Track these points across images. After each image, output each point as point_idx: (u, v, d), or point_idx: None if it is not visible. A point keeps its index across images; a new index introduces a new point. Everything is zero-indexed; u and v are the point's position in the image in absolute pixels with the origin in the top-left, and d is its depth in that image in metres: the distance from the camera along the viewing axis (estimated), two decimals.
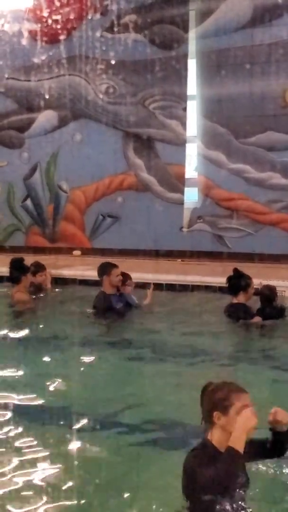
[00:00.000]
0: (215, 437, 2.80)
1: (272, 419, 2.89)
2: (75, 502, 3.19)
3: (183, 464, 2.83)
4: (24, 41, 11.17)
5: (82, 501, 3.19)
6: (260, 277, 7.87)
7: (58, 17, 10.72)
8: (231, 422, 2.76)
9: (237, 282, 6.64)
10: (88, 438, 3.87)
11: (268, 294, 6.63)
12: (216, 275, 8.19)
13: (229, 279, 6.74)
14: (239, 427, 2.72)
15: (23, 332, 6.45)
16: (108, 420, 4.23)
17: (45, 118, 11.87)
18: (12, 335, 6.34)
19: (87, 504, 3.17)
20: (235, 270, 6.73)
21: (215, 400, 2.81)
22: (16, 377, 5.03)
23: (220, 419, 2.78)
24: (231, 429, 2.76)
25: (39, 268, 8.08)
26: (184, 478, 2.81)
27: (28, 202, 12.31)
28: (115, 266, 7.00)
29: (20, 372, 5.11)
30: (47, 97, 11.51)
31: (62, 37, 10.98)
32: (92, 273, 9.18)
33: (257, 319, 6.47)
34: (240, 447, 2.69)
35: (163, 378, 5.06)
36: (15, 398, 4.56)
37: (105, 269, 6.99)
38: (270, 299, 6.62)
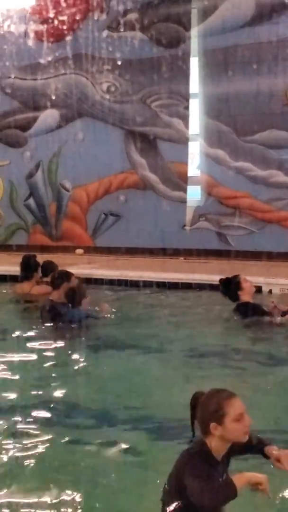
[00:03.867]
0: (213, 444, 2.80)
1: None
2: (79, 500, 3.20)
3: (177, 463, 2.83)
4: (27, 40, 11.20)
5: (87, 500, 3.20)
6: (264, 275, 7.88)
7: (61, 15, 10.75)
8: (228, 430, 2.76)
9: (229, 288, 6.57)
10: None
11: None
12: (219, 274, 8.16)
13: (222, 291, 6.67)
14: (253, 476, 2.70)
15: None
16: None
17: (48, 116, 11.85)
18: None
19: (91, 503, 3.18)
20: (221, 280, 6.67)
21: (208, 411, 2.80)
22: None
23: (217, 429, 2.78)
24: (229, 437, 2.78)
25: (51, 267, 7.97)
26: (176, 478, 2.80)
27: (31, 200, 12.31)
28: (73, 274, 6.96)
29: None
30: (49, 96, 11.51)
31: (65, 36, 10.99)
32: (95, 272, 9.25)
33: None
34: (240, 487, 2.68)
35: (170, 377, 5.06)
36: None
37: (66, 275, 6.83)
38: None
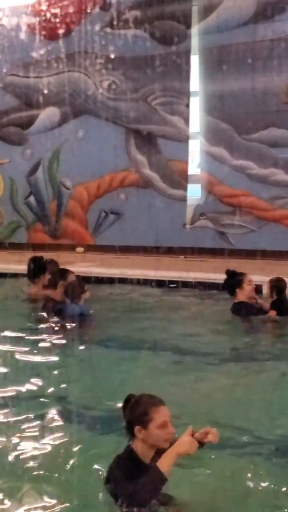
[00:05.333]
0: (138, 448, 2.94)
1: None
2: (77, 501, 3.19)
3: (109, 469, 2.97)
4: (25, 37, 11.19)
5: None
6: (263, 274, 7.86)
7: (62, 13, 10.72)
8: (151, 435, 2.89)
9: (230, 282, 6.61)
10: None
11: (279, 285, 6.56)
12: (219, 272, 8.16)
13: (224, 281, 6.72)
14: (174, 449, 2.82)
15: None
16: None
17: (47, 114, 11.85)
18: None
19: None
20: (227, 271, 6.71)
21: (135, 414, 2.94)
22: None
23: (141, 433, 2.90)
24: (151, 441, 2.91)
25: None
26: (111, 479, 2.94)
27: (31, 199, 12.30)
28: (71, 271, 6.93)
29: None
30: (49, 93, 11.50)
31: (63, 33, 10.97)
32: (95, 270, 9.25)
33: (272, 313, 6.41)
34: (166, 469, 2.79)
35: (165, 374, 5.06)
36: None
37: (61, 274, 6.84)
38: (281, 290, 6.55)
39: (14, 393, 4.64)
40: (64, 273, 6.91)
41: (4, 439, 3.87)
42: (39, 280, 7.57)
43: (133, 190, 11.39)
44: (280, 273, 7.91)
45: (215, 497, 3.19)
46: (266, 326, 6.43)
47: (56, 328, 6.31)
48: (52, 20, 10.85)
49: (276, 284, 6.62)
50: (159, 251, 10.89)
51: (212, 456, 3.45)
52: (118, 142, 11.36)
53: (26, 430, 3.98)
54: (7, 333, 6.30)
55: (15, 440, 3.84)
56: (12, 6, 10.85)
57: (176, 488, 3.04)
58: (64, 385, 4.84)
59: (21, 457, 3.63)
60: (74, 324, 6.31)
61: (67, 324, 6.32)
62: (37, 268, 7.63)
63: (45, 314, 6.66)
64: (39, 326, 6.47)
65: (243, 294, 6.55)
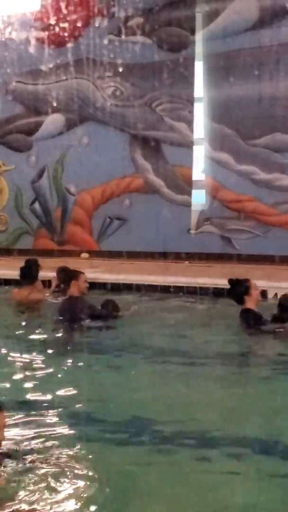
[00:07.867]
0: None
1: None
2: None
3: None
4: (30, 45, 11.26)
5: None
6: (269, 279, 7.87)
7: (65, 20, 10.79)
8: None
9: (237, 290, 6.57)
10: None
11: (283, 302, 6.46)
12: (224, 278, 8.16)
13: (229, 291, 6.69)
14: None
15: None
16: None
17: (53, 121, 11.91)
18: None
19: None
20: (230, 280, 6.68)
21: None
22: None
23: None
24: None
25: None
26: None
27: (36, 205, 12.34)
28: (82, 272, 7.02)
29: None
30: (54, 100, 11.56)
31: (68, 40, 11.04)
32: (100, 276, 9.26)
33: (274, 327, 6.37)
34: None
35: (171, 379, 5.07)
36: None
37: (72, 274, 6.93)
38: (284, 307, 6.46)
39: (27, 398, 4.66)
40: (76, 274, 6.97)
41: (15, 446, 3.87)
42: (35, 283, 7.63)
43: (138, 196, 11.42)
44: (285, 278, 7.92)
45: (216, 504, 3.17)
46: (269, 335, 6.40)
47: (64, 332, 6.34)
48: (57, 27, 10.92)
49: (281, 300, 6.54)
50: (163, 256, 10.90)
51: (214, 460, 3.46)
52: (123, 148, 11.40)
53: (34, 436, 3.99)
54: (18, 338, 6.34)
55: (25, 446, 3.85)
56: (17, 15, 10.92)
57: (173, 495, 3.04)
58: (66, 392, 4.85)
59: (27, 460, 3.64)
60: (81, 329, 6.36)
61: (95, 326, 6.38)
62: (33, 271, 7.69)
63: (61, 316, 6.68)
64: (57, 332, 6.47)
65: (252, 301, 6.51)
